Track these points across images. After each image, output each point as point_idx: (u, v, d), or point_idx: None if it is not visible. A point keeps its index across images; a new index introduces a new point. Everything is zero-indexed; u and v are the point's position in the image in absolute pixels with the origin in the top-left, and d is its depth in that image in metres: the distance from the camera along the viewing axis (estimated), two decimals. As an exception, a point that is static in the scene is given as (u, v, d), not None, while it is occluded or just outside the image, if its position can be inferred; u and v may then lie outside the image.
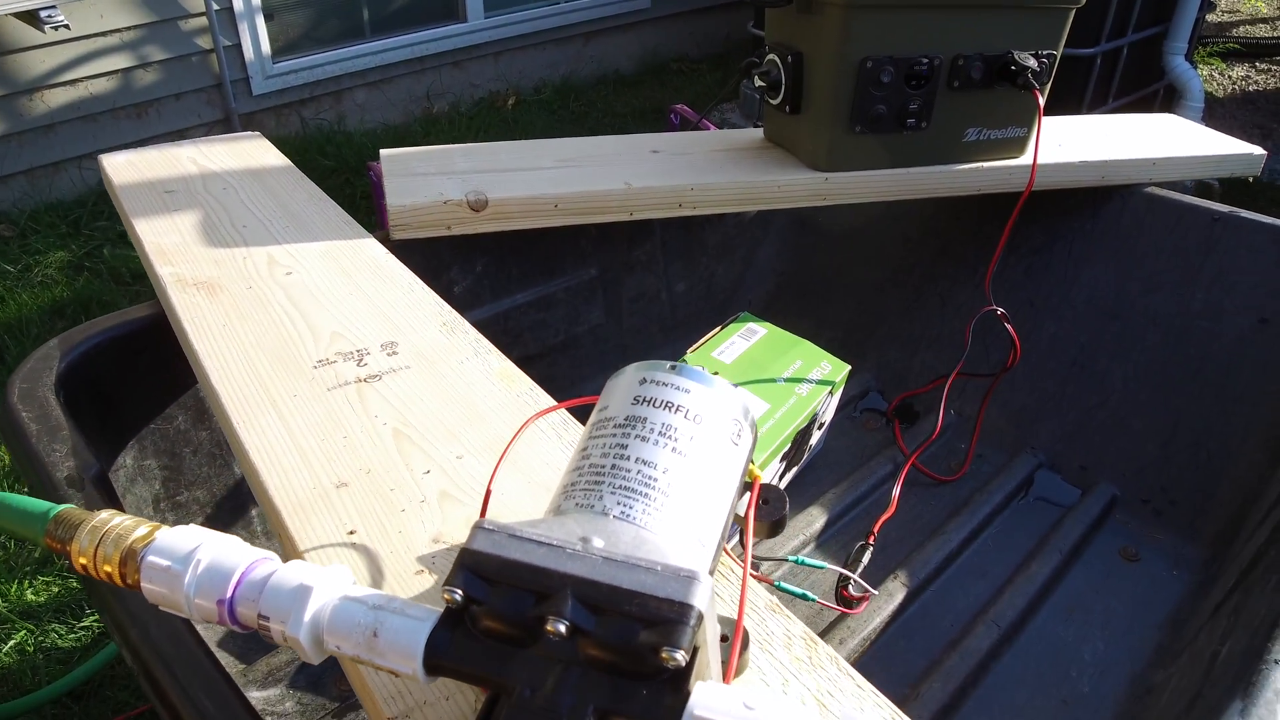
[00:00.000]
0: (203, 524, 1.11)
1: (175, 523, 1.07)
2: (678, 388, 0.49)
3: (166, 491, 1.05)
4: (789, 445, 1.11)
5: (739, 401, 0.50)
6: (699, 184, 1.16)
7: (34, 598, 1.52)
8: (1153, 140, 1.39)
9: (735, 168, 1.21)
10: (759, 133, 1.34)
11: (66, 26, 2.53)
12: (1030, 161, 1.21)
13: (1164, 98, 3.30)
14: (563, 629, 0.39)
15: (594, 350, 1.46)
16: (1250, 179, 1.43)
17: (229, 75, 3.08)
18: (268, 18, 3.15)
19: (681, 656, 0.37)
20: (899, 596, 1.06)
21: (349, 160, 3.08)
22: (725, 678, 0.47)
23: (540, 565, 0.41)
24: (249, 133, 1.32)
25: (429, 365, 0.79)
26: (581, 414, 0.60)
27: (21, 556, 1.58)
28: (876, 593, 1.03)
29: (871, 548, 1.06)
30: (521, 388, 0.77)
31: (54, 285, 2.48)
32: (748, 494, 0.55)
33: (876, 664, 0.99)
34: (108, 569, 0.49)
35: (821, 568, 0.99)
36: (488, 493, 0.56)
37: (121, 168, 1.19)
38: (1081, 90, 2.88)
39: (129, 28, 2.82)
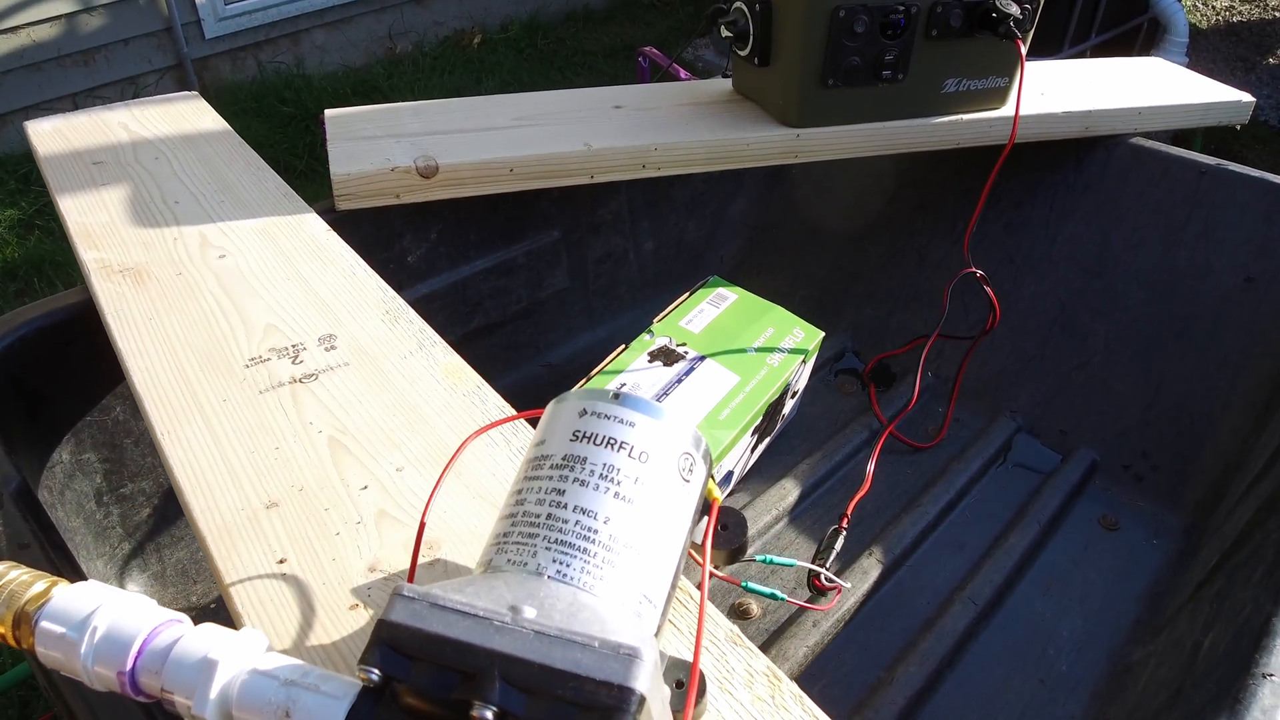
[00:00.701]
0: (150, 516, 1.07)
1: (121, 516, 1.03)
2: (622, 421, 0.44)
3: (109, 485, 1.00)
4: (760, 419, 1.07)
5: (689, 433, 0.45)
6: (663, 144, 1.10)
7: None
8: (1139, 88, 1.33)
9: (702, 124, 1.15)
10: (728, 84, 1.27)
11: (0, -31, 2.40)
12: (1012, 113, 1.15)
13: (1148, 32, 3.21)
14: (489, 716, 0.35)
15: (559, 315, 1.40)
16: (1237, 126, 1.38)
17: (179, 18, 2.93)
18: (217, -45, 3.00)
19: (620, 750, 0.33)
20: (874, 574, 1.03)
21: (309, 106, 2.97)
22: (678, 735, 0.43)
23: (464, 641, 0.37)
24: (185, 93, 1.24)
25: (369, 361, 0.74)
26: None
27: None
28: (849, 586, 1.00)
29: (845, 533, 1.02)
30: (468, 385, 0.72)
31: (4, 245, 2.38)
32: (705, 519, 0.51)
33: (851, 647, 0.97)
34: (0, 630, 0.45)
35: (791, 565, 0.96)
36: (421, 525, 0.51)
37: (48, 136, 1.11)
38: (1064, 26, 2.80)
39: (69, -32, 2.68)
